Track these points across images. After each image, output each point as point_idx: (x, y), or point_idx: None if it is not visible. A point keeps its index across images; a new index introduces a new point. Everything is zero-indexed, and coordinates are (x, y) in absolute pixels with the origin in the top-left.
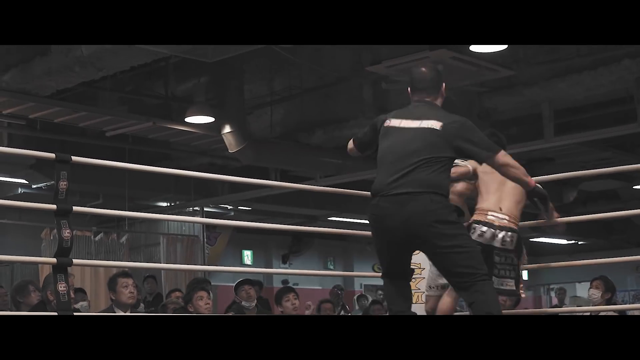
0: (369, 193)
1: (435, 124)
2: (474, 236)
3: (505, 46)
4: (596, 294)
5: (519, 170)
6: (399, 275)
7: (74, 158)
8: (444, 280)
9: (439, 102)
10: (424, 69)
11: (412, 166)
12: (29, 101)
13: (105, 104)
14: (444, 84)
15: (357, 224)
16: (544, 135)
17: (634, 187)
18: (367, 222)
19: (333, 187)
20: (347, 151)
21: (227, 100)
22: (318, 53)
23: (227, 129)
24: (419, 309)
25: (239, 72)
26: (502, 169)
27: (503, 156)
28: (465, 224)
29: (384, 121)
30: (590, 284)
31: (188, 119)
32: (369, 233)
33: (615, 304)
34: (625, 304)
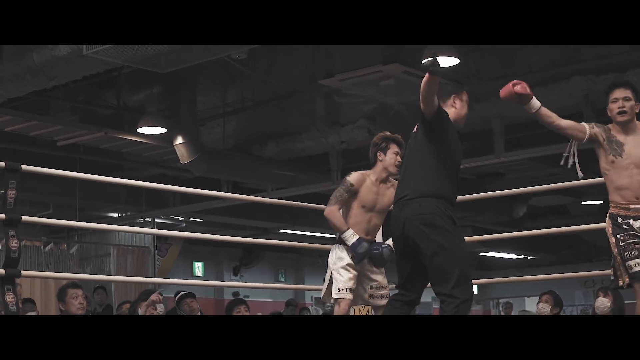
0: (321, 206)
1: (415, 128)
2: None
3: (457, 61)
4: (545, 308)
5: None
6: (400, 290)
7: (23, 167)
8: (352, 284)
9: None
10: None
11: (405, 174)
12: None
13: (56, 114)
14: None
15: (308, 237)
16: (495, 151)
17: (583, 202)
18: (318, 234)
19: (285, 200)
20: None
21: (179, 112)
22: (271, 66)
23: (179, 140)
24: None
25: (192, 83)
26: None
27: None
28: None
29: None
30: (539, 298)
31: (140, 130)
32: (321, 246)
33: None
34: None
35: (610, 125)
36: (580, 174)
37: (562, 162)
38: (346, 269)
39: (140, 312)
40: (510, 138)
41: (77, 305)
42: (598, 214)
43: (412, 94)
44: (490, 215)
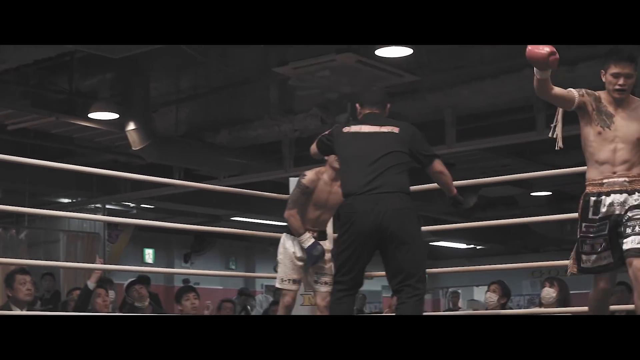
0: (272, 194)
1: (394, 129)
2: None
3: (410, 51)
4: (493, 297)
5: (449, 178)
6: (355, 284)
7: None
8: (297, 275)
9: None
10: (375, 89)
11: (383, 169)
12: None
13: (7, 98)
14: (389, 105)
15: (259, 225)
16: (446, 141)
17: (532, 194)
18: (269, 222)
19: (236, 187)
20: (311, 154)
21: (132, 97)
22: (225, 53)
23: (131, 126)
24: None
25: (145, 69)
26: (436, 175)
27: (440, 164)
28: None
29: (341, 129)
30: (488, 287)
31: (92, 115)
32: (271, 234)
33: (510, 308)
34: (521, 308)
35: (600, 94)
36: (559, 145)
37: (550, 134)
38: (291, 260)
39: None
40: (461, 129)
41: (24, 291)
42: (547, 205)
43: (364, 84)
44: (440, 206)
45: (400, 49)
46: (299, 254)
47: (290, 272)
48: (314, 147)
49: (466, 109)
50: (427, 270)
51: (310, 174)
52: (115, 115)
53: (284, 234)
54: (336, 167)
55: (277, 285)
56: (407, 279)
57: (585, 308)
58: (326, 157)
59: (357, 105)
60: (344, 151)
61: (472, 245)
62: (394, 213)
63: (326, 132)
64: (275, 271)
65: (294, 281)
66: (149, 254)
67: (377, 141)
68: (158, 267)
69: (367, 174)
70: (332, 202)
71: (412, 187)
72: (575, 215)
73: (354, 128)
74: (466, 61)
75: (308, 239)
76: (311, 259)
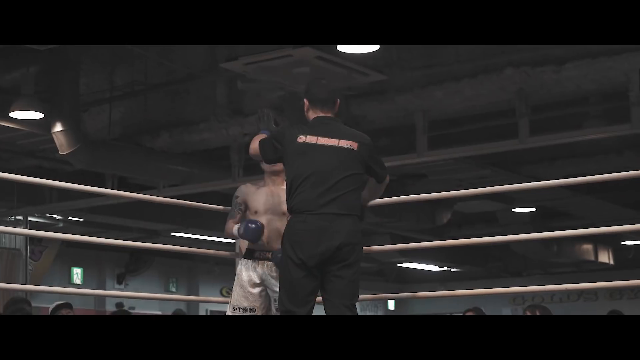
0: (219, 207)
1: (352, 144)
2: None
3: (376, 47)
4: None
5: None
6: (299, 312)
7: None
8: (248, 304)
9: (334, 115)
10: (323, 82)
11: (341, 192)
12: None
13: None
14: (338, 100)
15: (204, 241)
16: (417, 149)
17: (514, 210)
18: (215, 239)
19: (178, 199)
20: (250, 154)
21: (59, 95)
22: (167, 45)
23: (58, 127)
24: None
25: (74, 62)
26: (379, 188)
27: (388, 178)
28: None
29: (295, 136)
30: (463, 315)
31: (13, 114)
32: (217, 252)
33: None
34: None
35: None
36: None
37: None
38: (242, 286)
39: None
40: (434, 135)
41: None
42: (530, 222)
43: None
44: (411, 222)
45: (366, 45)
46: (255, 279)
47: (241, 299)
48: (255, 148)
49: (439, 112)
50: (395, 295)
51: (242, 186)
52: (39, 115)
53: (240, 259)
54: (271, 169)
55: (228, 313)
56: (347, 300)
57: None
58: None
59: (305, 100)
60: (297, 163)
61: (446, 268)
62: (348, 235)
63: (267, 134)
64: (223, 295)
65: (245, 309)
66: (77, 274)
67: (335, 158)
68: (87, 288)
69: (324, 193)
70: (277, 207)
71: (379, 200)
72: (562, 233)
73: (310, 139)
74: (440, 59)
75: (237, 226)
76: (251, 237)
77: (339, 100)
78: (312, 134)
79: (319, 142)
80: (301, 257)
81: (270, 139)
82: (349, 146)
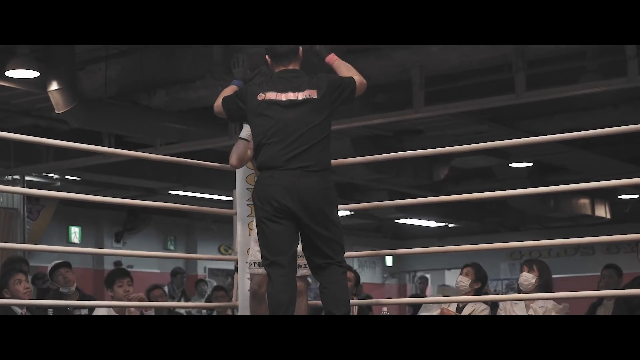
0: (216, 164)
1: (311, 93)
2: None
3: None
4: (464, 281)
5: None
6: (283, 261)
7: None
8: None
9: (298, 66)
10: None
11: (306, 145)
12: None
13: None
14: (300, 48)
15: (201, 199)
16: (414, 105)
17: (511, 164)
18: (212, 197)
19: (175, 157)
20: (215, 111)
21: (55, 53)
22: None
23: (54, 85)
24: None
25: None
26: (363, 88)
27: (360, 79)
28: None
29: (255, 94)
30: (461, 271)
31: (9, 73)
32: (215, 210)
33: (487, 293)
34: (498, 293)
35: None
36: None
37: None
38: (256, 240)
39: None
40: (430, 90)
41: None
42: (527, 177)
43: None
44: (408, 178)
45: None
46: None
47: (256, 254)
48: (219, 105)
49: (436, 68)
50: (392, 251)
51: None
52: (35, 74)
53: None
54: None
55: (247, 270)
56: (331, 257)
57: (571, 294)
58: None
59: (267, 57)
60: (260, 121)
61: (444, 223)
62: (318, 191)
63: (239, 85)
64: (221, 252)
65: (260, 264)
66: (75, 233)
67: (296, 113)
68: (85, 247)
69: (289, 149)
70: None
71: (377, 156)
72: (559, 188)
73: (270, 95)
74: None
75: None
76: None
77: (301, 48)
78: (272, 90)
79: (277, 98)
80: (271, 210)
81: (234, 97)
82: (308, 96)
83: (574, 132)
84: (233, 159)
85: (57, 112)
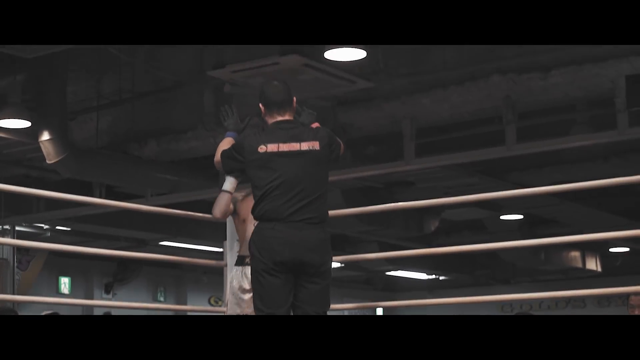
0: (206, 216)
1: (314, 145)
2: None
3: (363, 54)
4: None
5: None
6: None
7: None
8: (241, 310)
9: (292, 117)
10: (276, 83)
11: (308, 198)
12: None
13: None
14: (295, 98)
15: (192, 250)
16: (405, 156)
17: (502, 217)
18: (203, 248)
19: (166, 207)
20: (216, 166)
21: (46, 103)
22: (154, 53)
23: (45, 135)
24: None
25: (61, 70)
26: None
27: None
28: None
29: (254, 146)
30: None
31: (0, 123)
32: (205, 261)
33: None
34: None
35: None
36: None
37: None
38: (234, 294)
39: None
40: (421, 142)
41: None
42: (517, 229)
43: (313, 91)
44: (399, 230)
45: (353, 51)
46: (245, 285)
47: (233, 307)
48: (219, 160)
49: (427, 120)
50: (383, 303)
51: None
52: (27, 123)
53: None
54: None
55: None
56: (321, 309)
57: None
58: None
59: (261, 105)
60: (262, 174)
61: (434, 276)
62: (318, 243)
63: (233, 137)
64: (211, 304)
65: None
66: (64, 283)
67: (299, 164)
68: (75, 298)
69: (292, 202)
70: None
71: (367, 208)
72: (550, 241)
73: (272, 147)
74: (427, 66)
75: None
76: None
77: (295, 98)
78: (273, 142)
79: (280, 150)
80: (270, 263)
81: (231, 151)
82: (310, 147)
83: (565, 184)
84: (217, 211)
85: (48, 162)
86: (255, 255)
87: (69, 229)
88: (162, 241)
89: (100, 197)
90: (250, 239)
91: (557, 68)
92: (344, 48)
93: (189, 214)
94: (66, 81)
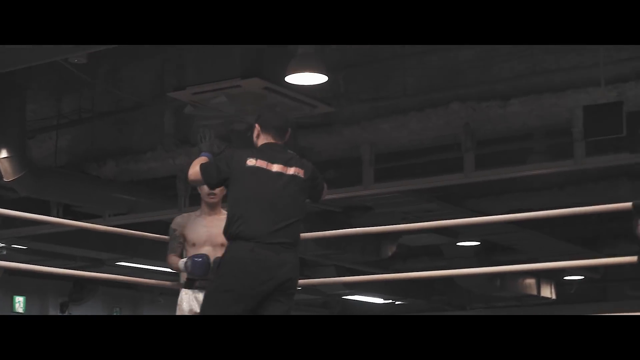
0: (164, 237)
1: (299, 172)
2: None
3: (325, 79)
4: None
5: None
6: None
7: None
8: None
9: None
10: (278, 110)
11: (289, 220)
12: None
13: None
14: (290, 130)
15: (149, 271)
16: (363, 181)
17: (458, 243)
18: (160, 269)
19: (123, 228)
20: (189, 180)
21: (5, 120)
22: (115, 73)
23: (3, 153)
24: None
25: (21, 88)
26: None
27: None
28: None
29: (244, 158)
30: None
31: None
32: (162, 282)
33: None
34: None
35: None
36: None
37: None
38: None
39: None
40: (380, 168)
41: None
42: (474, 256)
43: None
44: (356, 254)
45: (314, 75)
46: (196, 308)
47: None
48: (196, 172)
49: (386, 145)
50: None
51: (177, 217)
52: None
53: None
54: (207, 201)
55: None
56: None
57: None
58: (208, 189)
59: (257, 125)
60: (245, 186)
61: (391, 300)
62: (291, 267)
63: (208, 157)
64: None
65: None
66: (19, 302)
67: (284, 186)
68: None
69: (273, 221)
70: (215, 238)
71: (324, 232)
72: (506, 268)
73: (260, 163)
74: (387, 92)
75: (183, 262)
76: (199, 272)
77: (290, 130)
78: (263, 159)
79: (268, 168)
80: (240, 288)
81: (214, 162)
82: (296, 173)
83: (522, 212)
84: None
85: (5, 180)
86: (226, 277)
87: (24, 247)
88: (119, 261)
89: (57, 216)
90: (223, 259)
91: (516, 97)
92: (305, 73)
93: (146, 235)
94: (25, 99)
